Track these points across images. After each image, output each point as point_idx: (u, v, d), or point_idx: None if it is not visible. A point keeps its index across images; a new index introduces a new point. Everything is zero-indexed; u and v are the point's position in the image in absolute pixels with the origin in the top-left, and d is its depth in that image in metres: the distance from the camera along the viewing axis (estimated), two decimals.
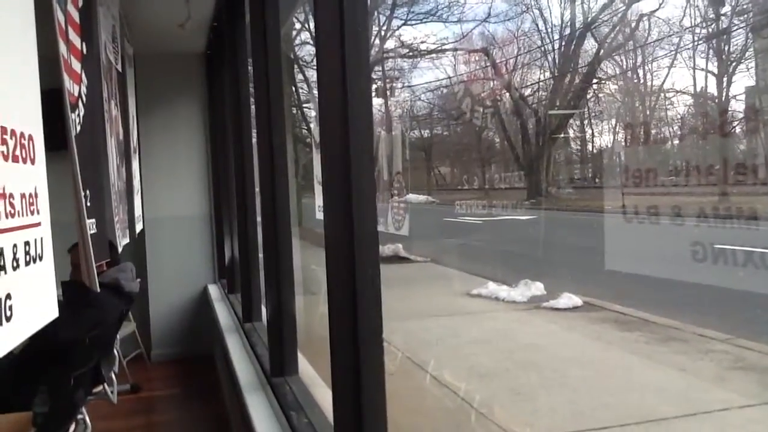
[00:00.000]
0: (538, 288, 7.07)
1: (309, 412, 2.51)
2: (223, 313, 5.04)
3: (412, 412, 4.10)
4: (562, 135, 11.03)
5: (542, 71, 12.19)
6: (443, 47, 15.36)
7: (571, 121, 11.51)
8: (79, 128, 1.99)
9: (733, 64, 7.75)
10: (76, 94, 2.05)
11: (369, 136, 1.61)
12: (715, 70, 8.17)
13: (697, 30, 9.11)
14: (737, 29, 7.45)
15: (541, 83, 12.18)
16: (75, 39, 2.12)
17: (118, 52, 3.68)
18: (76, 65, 2.12)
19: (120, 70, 3.77)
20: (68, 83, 1.92)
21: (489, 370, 4.98)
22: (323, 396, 2.67)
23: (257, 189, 3.93)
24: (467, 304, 7.14)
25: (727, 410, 3.89)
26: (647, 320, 5.69)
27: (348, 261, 1.62)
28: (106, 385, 3.24)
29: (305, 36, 13.19)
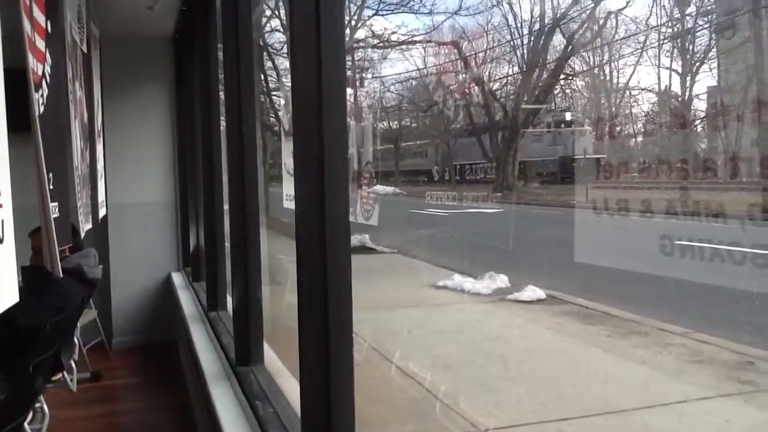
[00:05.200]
0: (502, 280, 7.14)
1: (275, 401, 2.50)
2: (187, 302, 4.98)
3: (378, 402, 4.11)
4: (529, 129, 11.12)
5: (511, 66, 12.28)
6: (414, 38, 15.36)
7: (538, 115, 11.62)
8: (42, 108, 1.94)
9: (697, 63, 7.90)
10: (40, 73, 1.99)
11: (343, 124, 1.59)
12: (680, 69, 8.32)
13: (663, 29, 9.26)
14: (701, 30, 7.60)
15: (509, 77, 12.27)
16: (39, 16, 2.06)
17: (83, 33, 3.59)
18: (41, 43, 2.06)
19: (85, 51, 3.68)
20: (32, 62, 1.86)
21: (454, 361, 5.01)
22: (289, 386, 2.66)
23: (224, 176, 3.88)
24: (433, 295, 7.17)
25: (685, 402, 3.98)
26: (609, 314, 5.79)
27: (319, 250, 1.60)
28: (65, 373, 3.17)
29: (275, 23, 13.05)
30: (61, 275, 2.09)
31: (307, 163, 1.63)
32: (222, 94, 3.88)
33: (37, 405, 2.86)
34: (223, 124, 3.95)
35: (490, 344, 5.43)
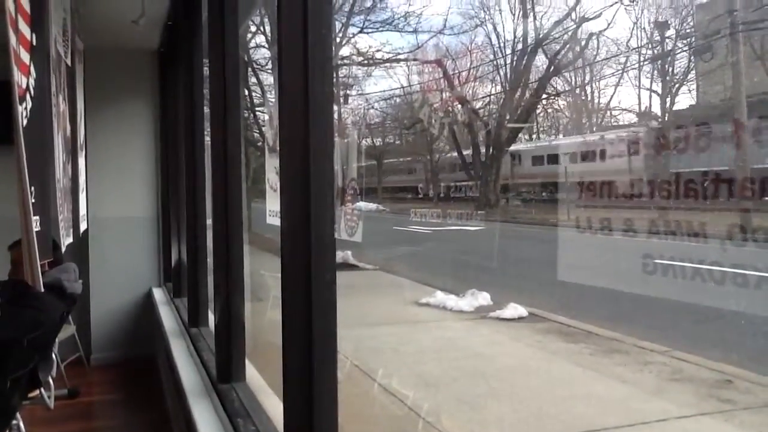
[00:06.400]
0: (484, 298, 7.15)
1: (256, 419, 2.47)
2: (167, 317, 4.93)
3: (360, 419, 4.08)
4: (512, 148, 11.20)
5: (494, 85, 12.40)
6: (398, 56, 15.48)
7: (520, 134, 11.73)
8: (26, 121, 1.92)
9: (677, 85, 8.04)
10: (24, 86, 1.98)
11: (329, 140, 1.59)
12: (660, 90, 8.46)
13: (643, 51, 9.42)
14: (681, 52, 7.74)
15: (492, 96, 12.39)
16: (25, 29, 2.05)
17: (68, 46, 3.58)
18: (25, 56, 2.05)
19: (69, 64, 3.66)
20: (17, 75, 1.85)
21: (436, 379, 5.00)
22: (271, 403, 2.63)
23: (208, 191, 3.86)
24: (415, 312, 7.16)
25: (665, 421, 3.99)
26: (591, 332, 5.82)
27: (304, 266, 1.60)
28: (42, 389, 3.11)
29: (260, 39, 13.10)
30: (42, 290, 2.07)
31: (293, 179, 1.63)
32: (207, 109, 3.88)
33: (14, 422, 2.81)
34: (207, 139, 3.94)
35: (472, 362, 5.43)
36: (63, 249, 3.10)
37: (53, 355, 3.38)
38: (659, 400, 4.36)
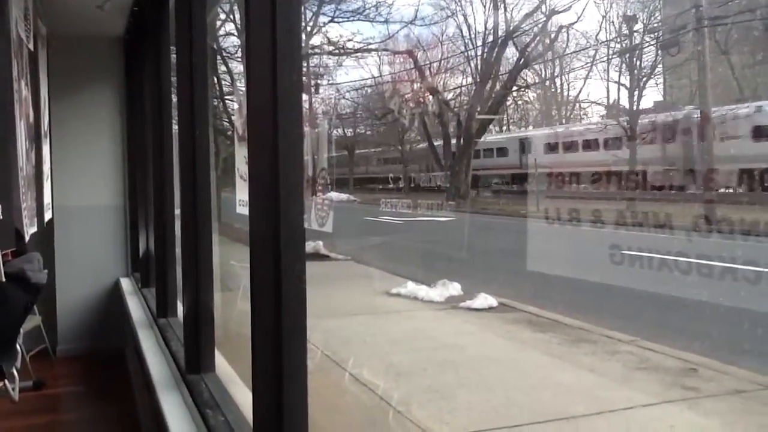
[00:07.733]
0: (455, 288, 7.21)
1: (226, 410, 2.45)
2: (135, 308, 4.87)
3: (331, 409, 4.09)
4: (482, 139, 11.26)
5: (465, 76, 12.44)
6: (369, 46, 15.44)
7: (490, 126, 11.80)
8: None
9: (644, 78, 8.15)
10: None
11: (298, 130, 1.58)
12: (628, 84, 8.57)
13: (612, 44, 9.53)
14: (648, 46, 7.85)
15: (463, 88, 12.44)
16: None
17: (30, 30, 3.49)
18: None
19: (32, 49, 3.58)
20: None
21: (407, 369, 5.02)
22: (241, 394, 2.62)
23: (176, 180, 3.81)
24: (386, 302, 7.19)
25: (631, 409, 4.07)
26: (559, 321, 5.89)
27: (273, 256, 1.58)
28: (6, 381, 3.06)
29: (230, 27, 12.97)
30: (3, 280, 2.02)
31: (262, 169, 1.61)
32: (174, 97, 3.82)
33: None
34: (175, 127, 3.88)
35: (442, 352, 5.47)
36: (27, 238, 3.04)
37: (17, 347, 3.33)
38: (626, 389, 4.43)
